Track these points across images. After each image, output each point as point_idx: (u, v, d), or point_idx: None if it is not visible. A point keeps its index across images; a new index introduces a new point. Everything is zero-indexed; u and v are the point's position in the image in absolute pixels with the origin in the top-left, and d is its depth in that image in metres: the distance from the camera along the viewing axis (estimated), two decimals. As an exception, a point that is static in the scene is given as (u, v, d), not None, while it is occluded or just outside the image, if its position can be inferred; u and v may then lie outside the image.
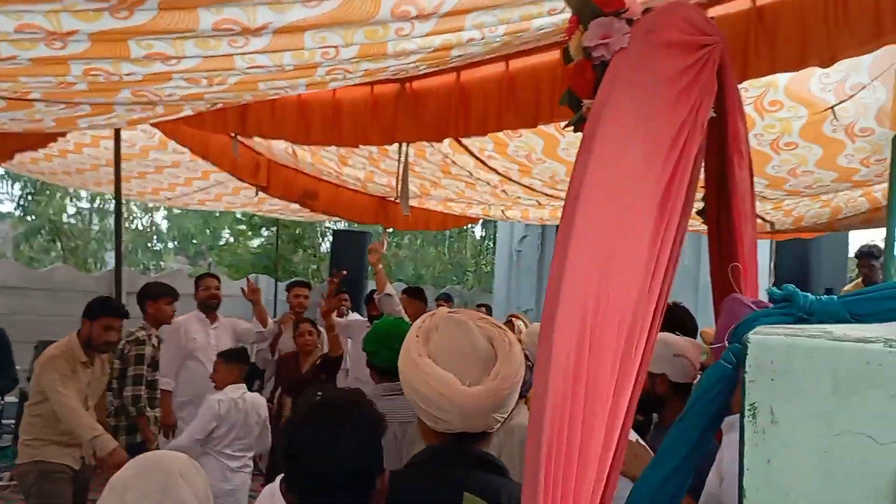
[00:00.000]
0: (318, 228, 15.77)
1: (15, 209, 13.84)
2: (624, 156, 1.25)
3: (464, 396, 1.41)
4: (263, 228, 16.70)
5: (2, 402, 6.69)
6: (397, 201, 6.80)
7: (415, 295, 5.54)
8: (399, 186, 3.60)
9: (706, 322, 4.17)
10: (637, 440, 1.98)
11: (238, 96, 2.82)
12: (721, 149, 1.97)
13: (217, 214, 15.88)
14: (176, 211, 15.46)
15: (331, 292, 6.07)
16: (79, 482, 4.13)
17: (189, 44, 1.71)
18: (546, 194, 4.84)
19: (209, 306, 5.34)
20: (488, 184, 4.73)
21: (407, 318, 5.29)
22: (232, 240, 18.40)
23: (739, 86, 2.01)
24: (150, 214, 15.71)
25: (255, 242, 18.23)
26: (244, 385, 4.35)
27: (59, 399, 3.82)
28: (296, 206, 6.84)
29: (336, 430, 1.25)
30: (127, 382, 4.52)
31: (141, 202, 13.88)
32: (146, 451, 4.32)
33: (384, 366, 2.91)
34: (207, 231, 16.66)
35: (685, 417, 0.98)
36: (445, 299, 8.93)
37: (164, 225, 16.22)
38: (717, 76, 1.68)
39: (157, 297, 4.81)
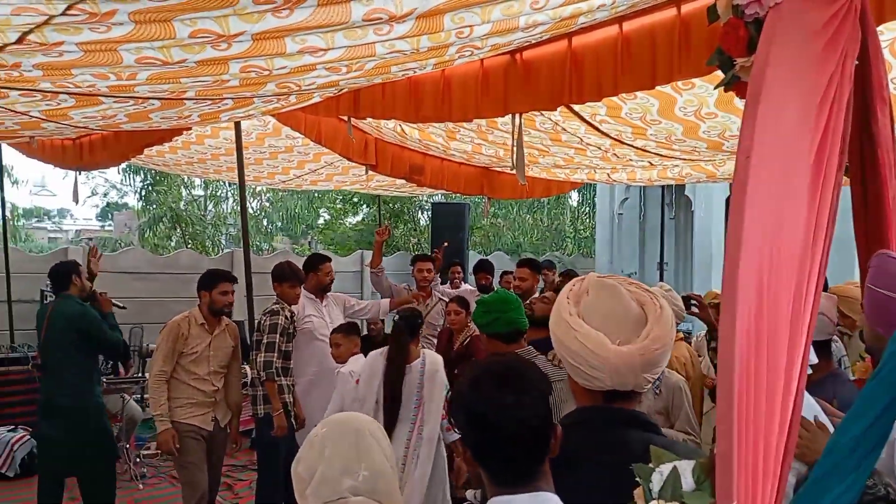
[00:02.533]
0: (417, 202, 16.00)
1: (138, 200, 14.78)
2: (784, 113, 1.25)
3: (615, 354, 1.46)
4: (363, 205, 17.11)
5: (143, 377, 7.22)
6: (500, 170, 6.92)
7: (529, 265, 5.60)
8: (514, 157, 3.63)
9: (837, 278, 4.00)
10: (815, 417, 1.94)
11: (370, 81, 2.93)
12: (864, 97, 1.91)
13: (319, 195, 16.39)
14: (281, 193, 16.05)
15: (439, 264, 6.25)
16: (214, 443, 4.50)
17: (339, 35, 1.81)
18: (660, 155, 4.75)
19: (324, 289, 5.54)
20: (599, 148, 4.70)
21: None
22: (332, 219, 18.97)
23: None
24: (258, 198, 16.40)
25: (355, 220, 18.72)
26: (363, 355, 4.56)
27: (152, 366, 4.40)
28: (402, 181, 7.01)
29: (517, 390, 1.33)
30: (261, 349, 4.75)
31: (252, 187, 14.50)
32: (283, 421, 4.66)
33: (507, 330, 2.99)
34: (310, 212, 17.23)
35: (878, 377, 1.00)
36: (548, 266, 8.92)
37: (270, 208, 16.90)
38: (858, 23, 1.64)
39: (280, 280, 5.06)
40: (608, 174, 6.26)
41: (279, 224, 17.48)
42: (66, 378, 4.56)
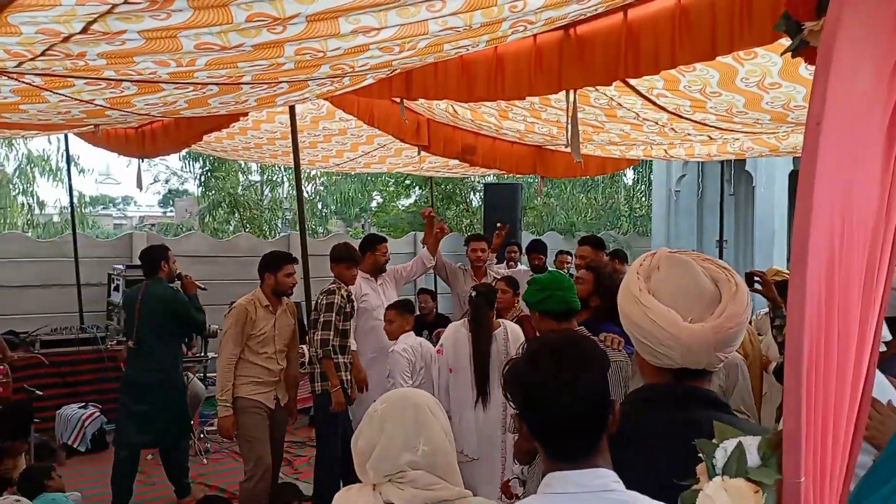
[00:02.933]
0: (469, 183, 15.96)
1: (197, 186, 15.15)
2: (855, 78, 1.20)
3: (687, 332, 1.42)
4: (416, 188, 17.16)
5: (206, 356, 7.43)
6: (553, 149, 6.84)
7: (592, 243, 5.55)
8: (568, 134, 3.58)
9: None
10: (889, 401, 1.88)
11: (422, 60, 2.93)
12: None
13: (372, 179, 16.51)
14: (335, 177, 16.22)
15: (497, 245, 6.25)
16: (276, 420, 4.62)
17: (392, 14, 1.81)
18: (720, 128, 4.63)
19: (381, 269, 5.62)
20: (656, 123, 4.60)
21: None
22: (385, 201, 19.09)
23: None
24: (312, 182, 16.60)
25: (407, 202, 18.80)
26: (414, 333, 4.65)
27: (221, 350, 4.47)
28: (455, 161, 7.00)
29: (576, 367, 1.32)
30: (318, 328, 4.86)
31: (307, 171, 14.70)
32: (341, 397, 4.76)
33: (560, 308, 2.99)
34: (364, 195, 17.37)
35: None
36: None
37: (324, 191, 17.09)
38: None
39: (338, 261, 5.14)
40: (665, 150, 6.13)
41: (333, 207, 17.67)
42: (156, 356, 4.94)
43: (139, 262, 5.31)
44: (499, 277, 5.68)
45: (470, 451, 4.06)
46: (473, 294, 4.14)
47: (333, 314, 4.88)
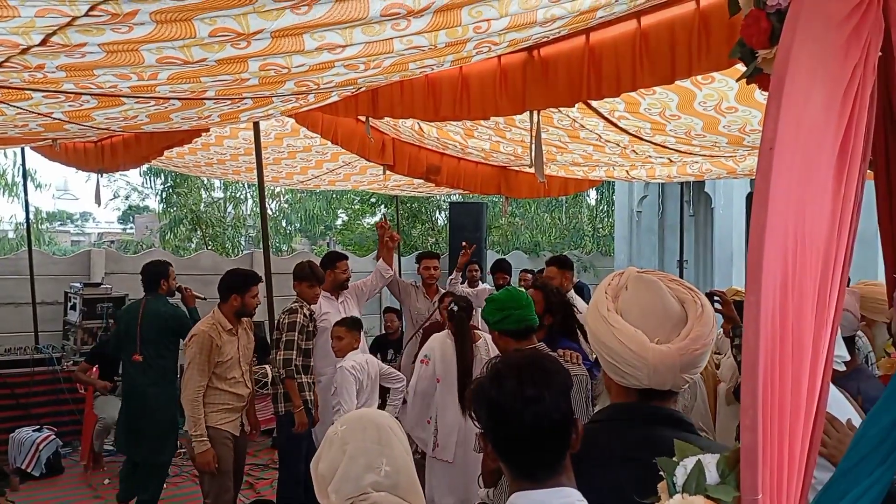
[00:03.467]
0: (435, 202, 16.01)
1: (159, 203, 14.92)
2: (807, 104, 1.24)
3: (654, 353, 1.43)
4: (381, 206, 17.14)
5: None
6: (517, 170, 6.91)
7: (558, 263, 5.56)
8: (532, 154, 3.62)
9: (859, 274, 3.96)
10: (849, 420, 1.91)
11: (388, 78, 2.93)
12: (888, 89, 1.88)
13: (337, 196, 16.44)
14: (299, 194, 16.12)
15: (462, 264, 6.26)
16: (238, 447, 4.52)
17: (357, 31, 1.81)
18: (679, 151, 4.72)
19: (342, 286, 5.58)
20: (618, 145, 4.68)
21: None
22: (350, 219, 19.01)
23: None
24: (276, 199, 16.48)
25: (373, 220, 18.75)
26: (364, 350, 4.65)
27: (186, 384, 4.25)
28: (419, 181, 7.01)
29: (539, 385, 1.32)
30: (281, 348, 4.80)
31: (271, 187, 14.57)
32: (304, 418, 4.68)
33: (517, 327, 2.98)
34: (329, 212, 17.28)
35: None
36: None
37: (288, 209, 16.96)
38: (882, 14, 1.61)
39: (300, 279, 5.10)
40: (627, 171, 6.23)
41: (298, 225, 17.55)
42: (154, 372, 4.95)
43: (141, 277, 5.32)
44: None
45: (449, 455, 4.16)
46: (455, 308, 4.26)
47: (296, 333, 4.83)
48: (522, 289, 3.24)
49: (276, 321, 5.01)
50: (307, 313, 4.97)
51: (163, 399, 4.99)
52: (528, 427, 1.30)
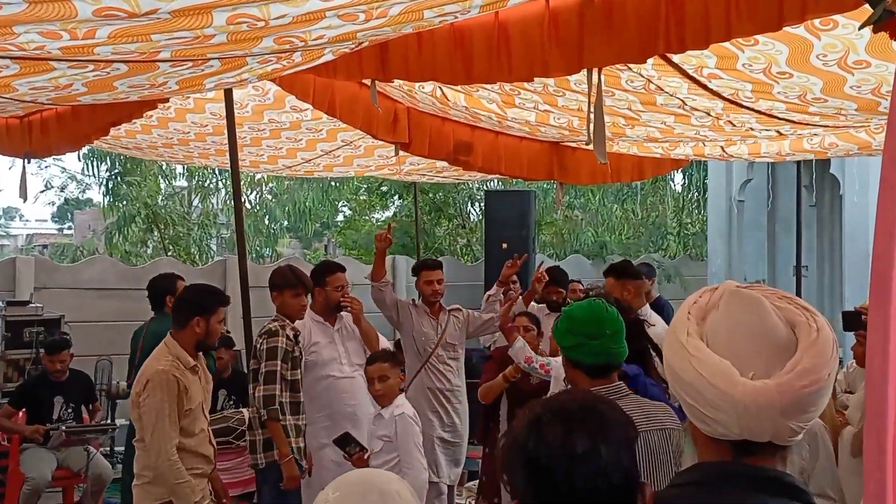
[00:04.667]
0: (466, 191, 16.05)
1: (104, 195, 15.15)
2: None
3: (743, 390, 1.42)
4: (395, 196, 17.23)
5: (114, 426, 7.38)
6: (574, 146, 6.90)
7: (616, 272, 5.49)
8: (591, 127, 3.61)
9: None
10: None
11: (397, 31, 2.94)
12: None
13: (336, 185, 16.54)
14: (287, 182, 16.25)
15: (508, 277, 6.26)
16: None
17: (353, -29, 1.82)
18: (792, 121, 4.68)
19: (336, 308, 5.60)
20: (708, 114, 4.64)
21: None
22: (353, 215, 19.13)
23: None
24: (257, 189, 16.66)
25: (384, 215, 18.84)
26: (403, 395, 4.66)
27: (154, 443, 4.14)
28: (444, 163, 7.03)
29: (592, 436, 1.32)
30: (260, 381, 4.82)
31: (249, 174, 14.72)
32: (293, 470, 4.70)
33: (594, 362, 2.95)
34: (326, 205, 17.38)
35: None
36: (647, 274, 8.85)
37: (273, 201, 17.10)
38: None
39: (280, 287, 5.14)
40: (722, 148, 6.18)
41: (285, 223, 17.73)
42: None
43: (147, 294, 5.61)
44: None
45: None
46: None
47: (278, 362, 4.86)
48: (610, 304, 3.14)
49: (252, 347, 5.05)
50: (291, 334, 5.01)
51: None
52: (578, 493, 1.30)
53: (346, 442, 4.53)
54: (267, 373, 4.82)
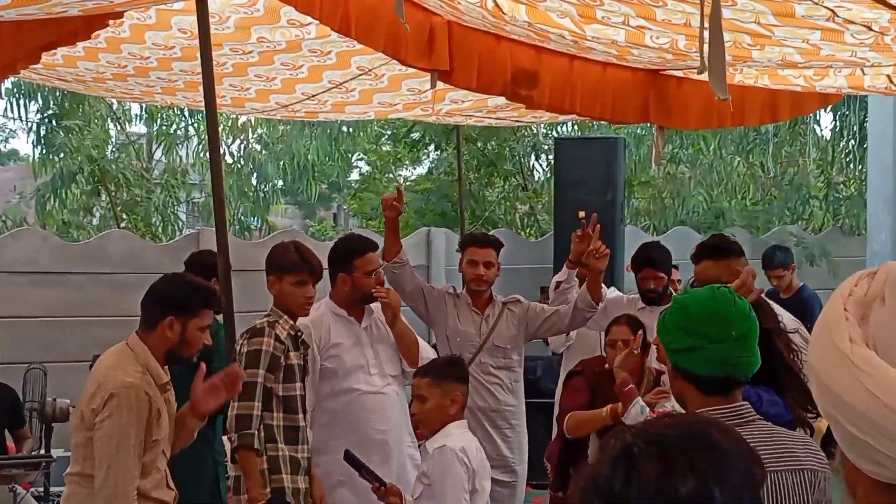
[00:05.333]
0: (528, 138, 16.01)
1: (34, 146, 15.30)
2: None
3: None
4: (430, 147, 17.23)
5: (49, 458, 7.49)
6: (681, 75, 6.85)
7: (713, 252, 5.42)
8: (704, 48, 3.60)
9: None
10: None
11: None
12: None
13: (349, 131, 16.54)
14: (282, 128, 16.28)
15: (579, 254, 6.24)
16: None
17: None
18: None
19: (365, 299, 5.62)
20: (869, 28, 4.62)
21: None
22: (373, 173, 19.16)
23: None
24: (241, 138, 16.70)
25: (416, 172, 18.84)
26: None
27: (113, 473, 4.19)
28: (500, 100, 7.03)
29: (703, 476, 1.34)
30: (234, 398, 4.86)
31: (231, 117, 14.77)
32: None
33: (711, 374, 2.96)
34: (335, 159, 17.39)
35: None
36: (783, 262, 8.82)
37: (264, 154, 17.11)
38: None
39: (279, 270, 5.19)
40: (889, 78, 6.13)
41: (280, 183, 17.77)
42: None
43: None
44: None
45: None
46: None
47: (260, 371, 4.93)
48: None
49: (236, 350, 5.12)
50: (285, 334, 5.06)
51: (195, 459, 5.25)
52: None
53: (354, 463, 4.61)
54: (246, 386, 4.84)
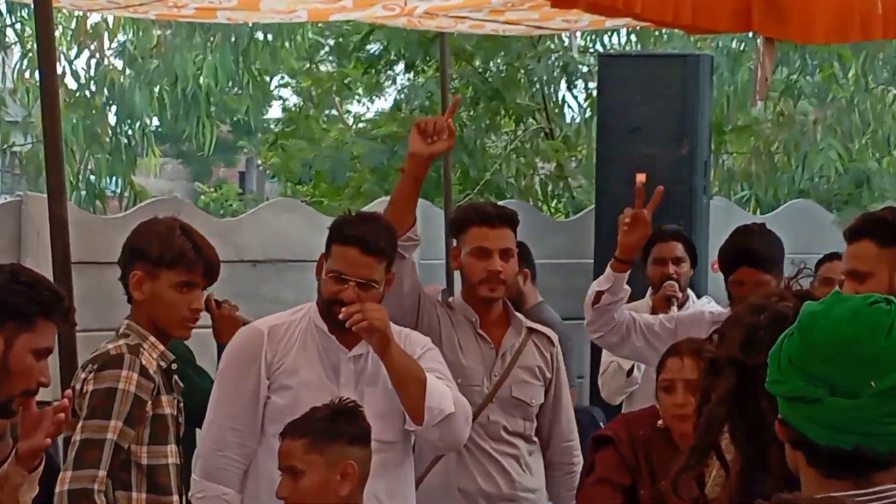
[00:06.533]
0: (554, 56, 16.05)
1: None
2: None
3: None
4: (398, 67, 17.30)
5: None
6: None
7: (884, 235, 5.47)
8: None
9: None
10: None
11: None
12: None
13: (266, 41, 16.61)
14: (158, 34, 16.37)
15: (635, 237, 6.30)
16: None
17: None
18: None
19: (332, 314, 5.60)
20: None
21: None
22: (304, 106, 19.28)
23: None
24: (93, 48, 16.75)
25: (374, 108, 18.98)
26: None
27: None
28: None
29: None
30: (66, 465, 4.99)
31: (76, 15, 14.83)
32: None
33: (836, 444, 2.99)
34: (244, 87, 17.51)
35: None
36: None
37: (128, 77, 17.20)
38: None
39: (152, 262, 5.20)
40: None
41: (155, 123, 17.86)
42: None
43: None
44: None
45: None
46: None
47: (113, 422, 4.94)
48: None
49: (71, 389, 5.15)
50: (155, 366, 5.09)
51: None
52: None
53: None
54: (83, 443, 4.95)
